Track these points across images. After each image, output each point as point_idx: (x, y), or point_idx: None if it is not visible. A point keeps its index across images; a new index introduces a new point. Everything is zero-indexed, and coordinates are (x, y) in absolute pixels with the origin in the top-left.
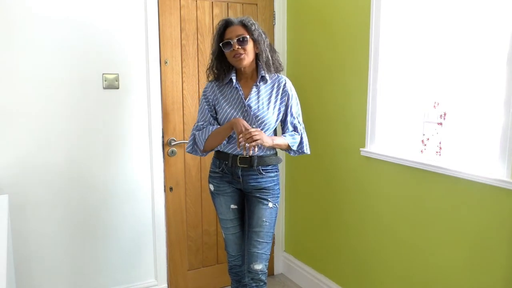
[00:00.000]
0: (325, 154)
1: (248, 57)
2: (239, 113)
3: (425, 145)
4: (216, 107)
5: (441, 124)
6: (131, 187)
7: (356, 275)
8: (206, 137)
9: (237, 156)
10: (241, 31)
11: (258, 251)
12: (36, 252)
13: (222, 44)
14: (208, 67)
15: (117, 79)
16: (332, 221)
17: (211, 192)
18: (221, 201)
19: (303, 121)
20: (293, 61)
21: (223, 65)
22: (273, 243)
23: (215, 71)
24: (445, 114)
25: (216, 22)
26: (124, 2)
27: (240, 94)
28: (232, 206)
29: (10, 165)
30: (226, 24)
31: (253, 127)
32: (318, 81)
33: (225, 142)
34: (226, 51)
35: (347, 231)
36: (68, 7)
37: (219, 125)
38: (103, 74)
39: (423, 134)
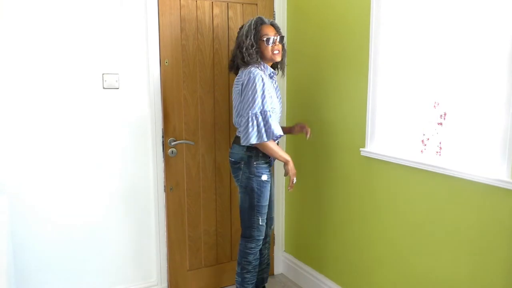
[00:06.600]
0: (325, 154)
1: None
2: (280, 104)
3: (425, 145)
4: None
5: (441, 124)
6: (131, 187)
7: (356, 275)
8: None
9: None
10: (274, 31)
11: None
12: (36, 252)
13: (265, 39)
14: (246, 53)
15: (117, 79)
16: (332, 221)
17: (264, 182)
18: (268, 188)
19: (303, 120)
20: (293, 61)
21: (258, 56)
22: (273, 243)
23: (254, 58)
24: (445, 114)
25: (216, 22)
26: (124, 2)
27: (277, 87)
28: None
29: (10, 165)
30: (261, 22)
31: (280, 115)
32: (318, 81)
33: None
34: (267, 45)
35: (347, 231)
36: (68, 7)
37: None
38: (103, 74)
39: (423, 134)
